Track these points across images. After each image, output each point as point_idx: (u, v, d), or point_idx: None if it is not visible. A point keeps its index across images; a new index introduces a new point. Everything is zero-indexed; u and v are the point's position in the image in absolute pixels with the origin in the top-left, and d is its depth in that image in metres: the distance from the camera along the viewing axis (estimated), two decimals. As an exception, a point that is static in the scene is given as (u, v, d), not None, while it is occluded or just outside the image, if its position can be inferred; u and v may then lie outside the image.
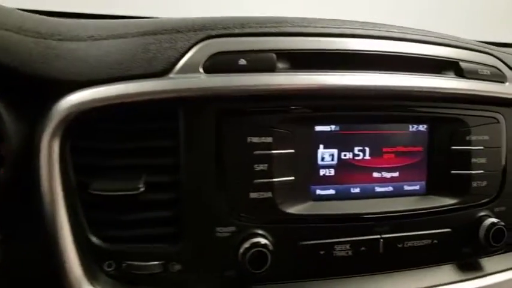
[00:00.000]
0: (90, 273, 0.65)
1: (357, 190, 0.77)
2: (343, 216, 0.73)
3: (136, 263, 0.66)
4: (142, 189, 0.64)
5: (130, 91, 0.64)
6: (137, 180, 0.65)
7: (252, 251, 0.65)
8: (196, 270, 0.68)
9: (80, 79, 0.64)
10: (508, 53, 0.89)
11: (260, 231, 0.69)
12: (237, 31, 0.70)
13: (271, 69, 0.69)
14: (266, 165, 0.68)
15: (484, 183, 0.80)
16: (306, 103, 0.71)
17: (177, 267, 0.68)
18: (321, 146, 0.74)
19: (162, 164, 0.67)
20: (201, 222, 0.67)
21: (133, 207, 0.66)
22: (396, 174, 0.78)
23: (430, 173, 0.80)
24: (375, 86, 0.72)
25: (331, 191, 0.76)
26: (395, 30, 0.79)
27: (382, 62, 0.76)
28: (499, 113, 0.82)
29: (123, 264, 0.66)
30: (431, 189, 0.80)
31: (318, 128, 0.74)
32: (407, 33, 0.79)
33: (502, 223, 0.78)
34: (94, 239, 0.66)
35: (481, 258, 0.83)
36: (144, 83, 0.65)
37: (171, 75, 0.66)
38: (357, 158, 0.76)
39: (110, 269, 0.66)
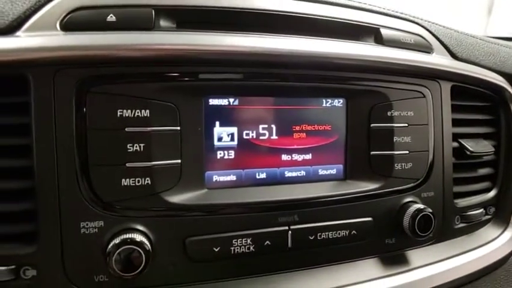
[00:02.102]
0: None
1: (263, 176, 0.66)
2: (243, 206, 0.61)
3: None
4: None
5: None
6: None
7: (121, 249, 0.52)
8: (56, 277, 0.55)
9: None
10: (437, 24, 0.81)
11: (137, 226, 0.56)
12: (108, -17, 0.57)
13: (147, 26, 0.56)
14: (142, 145, 0.56)
15: (409, 165, 0.71)
16: (194, 69, 0.58)
17: (31, 273, 0.54)
18: (217, 123, 0.62)
19: (9, 145, 0.54)
20: (60, 217, 0.54)
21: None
22: (309, 156, 0.68)
23: (348, 155, 0.70)
24: (281, 50, 0.61)
25: (231, 177, 0.64)
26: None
27: (291, 24, 0.66)
28: (425, 87, 0.73)
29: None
30: (349, 173, 0.70)
31: (213, 102, 0.62)
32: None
33: (429, 210, 0.69)
34: None
35: (406, 250, 0.74)
36: (-19, 42, 0.51)
37: (18, 33, 0.53)
38: (261, 138, 0.65)
39: None
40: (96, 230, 0.55)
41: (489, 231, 0.84)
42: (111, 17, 0.55)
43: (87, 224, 0.55)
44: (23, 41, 0.53)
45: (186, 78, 0.58)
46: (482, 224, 0.84)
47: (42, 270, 0.54)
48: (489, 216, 0.85)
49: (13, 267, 0.54)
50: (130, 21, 0.56)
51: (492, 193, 0.85)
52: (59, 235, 0.54)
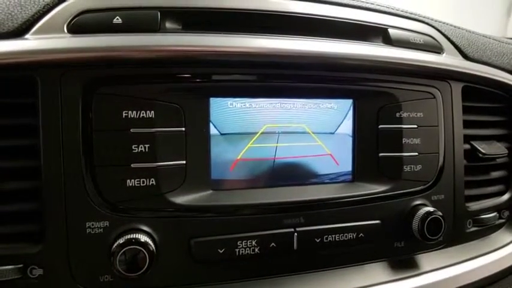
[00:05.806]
0: None
1: (269, 177, 0.65)
2: (248, 207, 0.61)
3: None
4: None
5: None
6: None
7: (125, 249, 0.53)
8: (62, 276, 0.55)
9: None
10: (447, 24, 0.79)
11: (142, 227, 0.57)
12: (114, -15, 0.58)
13: (153, 28, 0.57)
14: (147, 145, 0.56)
15: (419, 167, 0.70)
16: (199, 71, 0.59)
17: (38, 272, 0.55)
18: (222, 124, 0.62)
19: (17, 145, 0.55)
20: (67, 217, 0.55)
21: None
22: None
23: (356, 156, 0.69)
24: (288, 51, 0.61)
25: (237, 179, 0.64)
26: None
27: (298, 25, 0.65)
28: (435, 88, 0.72)
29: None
30: (357, 175, 0.69)
31: (218, 102, 0.62)
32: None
33: (439, 213, 0.67)
34: None
35: (416, 254, 0.72)
36: (-9, 44, 0.52)
37: (27, 35, 0.54)
38: (267, 138, 0.65)
39: None
40: (101, 230, 0.55)
41: (503, 236, 0.82)
42: (117, 19, 0.56)
43: (92, 224, 0.55)
44: (32, 43, 0.54)
45: (191, 79, 0.58)
46: (495, 228, 0.82)
47: (49, 270, 0.55)
48: (503, 220, 0.83)
49: (20, 266, 0.54)
50: (136, 23, 0.56)
51: (506, 196, 0.83)
52: (65, 235, 0.55)
